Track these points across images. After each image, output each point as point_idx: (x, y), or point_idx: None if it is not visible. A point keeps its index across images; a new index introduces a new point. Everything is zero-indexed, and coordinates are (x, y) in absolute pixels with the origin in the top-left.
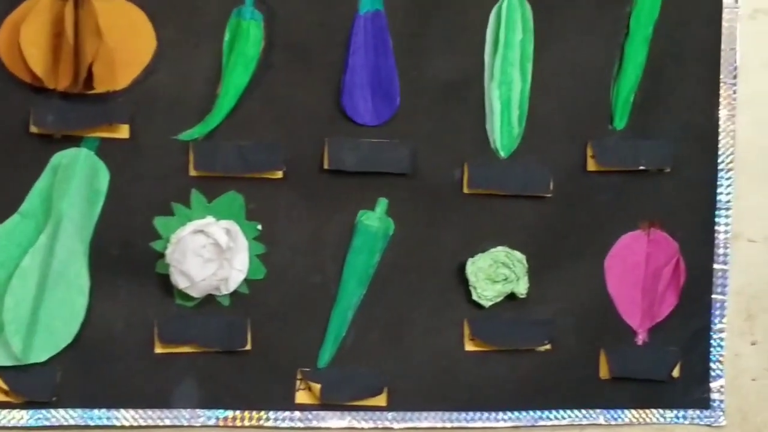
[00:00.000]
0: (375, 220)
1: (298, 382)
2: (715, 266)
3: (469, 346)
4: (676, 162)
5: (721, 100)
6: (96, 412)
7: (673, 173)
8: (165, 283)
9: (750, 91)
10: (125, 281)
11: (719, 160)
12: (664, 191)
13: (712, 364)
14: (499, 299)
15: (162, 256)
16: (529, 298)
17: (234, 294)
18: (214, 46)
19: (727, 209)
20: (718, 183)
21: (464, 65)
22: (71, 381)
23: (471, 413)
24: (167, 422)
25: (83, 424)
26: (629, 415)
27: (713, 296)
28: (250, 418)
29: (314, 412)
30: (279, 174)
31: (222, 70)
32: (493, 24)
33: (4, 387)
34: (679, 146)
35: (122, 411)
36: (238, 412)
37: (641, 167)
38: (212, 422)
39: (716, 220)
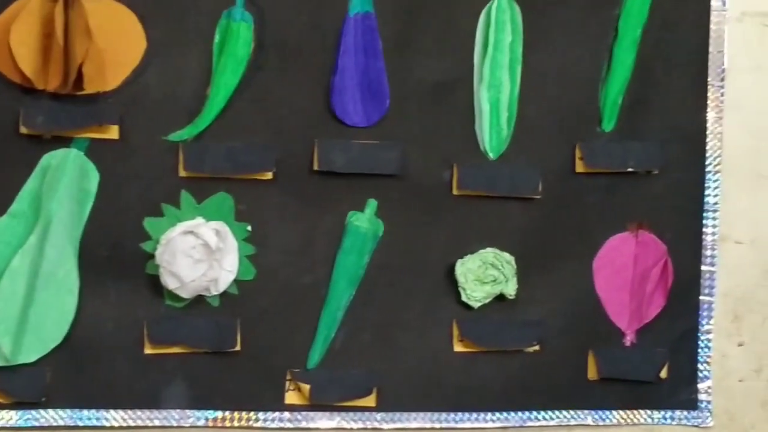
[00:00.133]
0: (365, 221)
1: (287, 383)
2: (703, 268)
3: (458, 347)
4: (664, 164)
5: (708, 102)
6: (85, 412)
7: (661, 175)
8: (154, 283)
9: (737, 94)
10: (115, 282)
11: (707, 162)
12: (652, 193)
13: (699, 365)
14: (488, 300)
15: (152, 256)
16: (518, 299)
17: (223, 295)
18: (204, 47)
19: (715, 211)
20: (706, 185)
21: (454, 67)
22: (61, 381)
23: (460, 414)
24: (157, 423)
25: (72, 424)
26: (617, 415)
27: (701, 298)
28: (240, 419)
29: (303, 413)
30: (269, 175)
31: (212, 71)
32: (483, 26)
33: None
34: (667, 148)
35: (112, 411)
36: (227, 413)
37: (629, 169)
38: (202, 423)
39: (704, 222)
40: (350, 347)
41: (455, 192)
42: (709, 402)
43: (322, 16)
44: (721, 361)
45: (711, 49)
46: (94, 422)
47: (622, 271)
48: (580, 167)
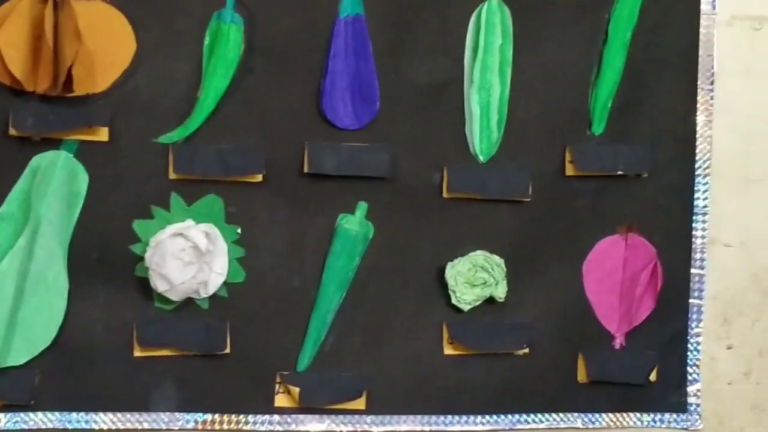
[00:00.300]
0: (355, 224)
1: (277, 386)
2: (692, 271)
3: (448, 350)
4: (653, 167)
5: (698, 105)
6: (74, 415)
7: (650, 178)
8: (144, 286)
9: (727, 97)
10: (104, 284)
11: (696, 166)
12: (642, 196)
13: (688, 368)
14: (478, 303)
15: (141, 259)
16: (508, 302)
17: (213, 297)
18: (194, 50)
19: (704, 214)
20: (695, 188)
21: (444, 70)
22: (50, 384)
23: (450, 417)
24: (146, 425)
25: (61, 427)
26: (606, 418)
27: (690, 301)
28: (229, 422)
29: (293, 416)
30: (259, 177)
31: (202, 73)
32: (473, 29)
33: None
34: (656, 151)
35: (101, 414)
36: (217, 416)
37: (619, 172)
38: (191, 425)
39: (693, 225)
40: (340, 350)
41: (445, 195)
42: (698, 405)
43: (312, 18)
44: (711, 364)
45: (701, 52)
46: (83, 425)
47: (612, 274)
48: (570, 170)
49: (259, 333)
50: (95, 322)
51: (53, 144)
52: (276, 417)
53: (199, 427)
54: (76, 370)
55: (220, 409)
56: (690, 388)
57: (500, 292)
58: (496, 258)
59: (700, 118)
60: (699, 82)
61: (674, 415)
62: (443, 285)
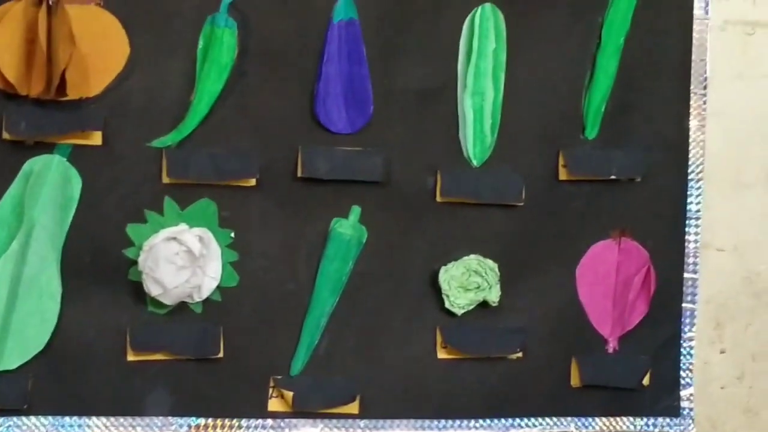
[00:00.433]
0: (348, 228)
1: (270, 390)
2: (685, 275)
3: (442, 354)
4: (646, 171)
5: (691, 110)
6: (67, 419)
7: (643, 183)
8: (137, 290)
9: (720, 102)
10: (97, 288)
11: (689, 170)
12: (635, 200)
13: (682, 373)
14: (471, 307)
15: (134, 263)
16: (502, 306)
17: (206, 301)
18: (188, 54)
19: (697, 219)
20: (688, 193)
21: (437, 74)
22: (43, 388)
23: (443, 421)
24: (139, 430)
25: (54, 431)
26: (599, 423)
27: (683, 305)
28: (223, 426)
29: (287, 420)
30: (252, 182)
31: (196, 77)
32: (467, 33)
33: None
34: (649, 156)
35: (94, 419)
36: (210, 420)
37: (612, 177)
38: (184, 430)
39: (686, 229)
40: (333, 354)
41: (439, 199)
42: (691, 409)
43: (306, 22)
44: (704, 368)
45: (694, 57)
46: (76, 429)
47: (605, 278)
48: (563, 174)
49: (253, 337)
50: (88, 326)
51: (47, 148)
52: (269, 421)
53: (193, 431)
54: (69, 374)
55: (214, 414)
56: (683, 393)
57: (494, 296)
58: (490, 262)
59: (693, 123)
60: (692, 87)
61: (667, 420)
62: (437, 289)
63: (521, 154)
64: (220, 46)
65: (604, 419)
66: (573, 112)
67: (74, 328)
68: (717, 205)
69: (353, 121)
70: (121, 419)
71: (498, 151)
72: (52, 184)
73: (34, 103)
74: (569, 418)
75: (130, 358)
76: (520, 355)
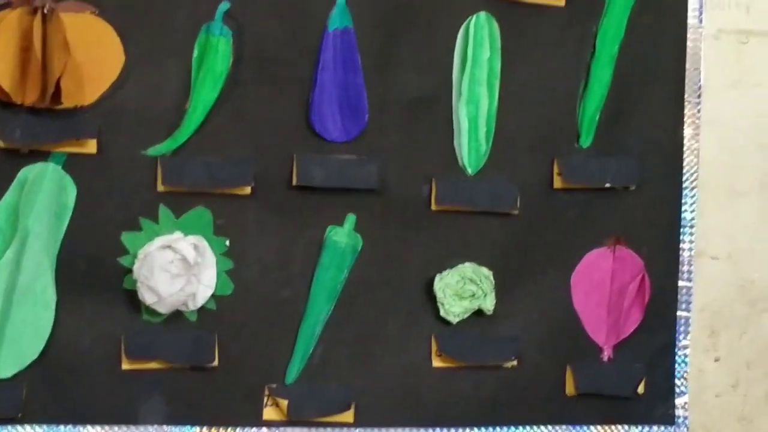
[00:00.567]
0: (343, 236)
1: (265, 398)
2: (680, 283)
3: (437, 362)
4: (641, 180)
5: (685, 119)
6: (62, 428)
7: (638, 191)
8: (132, 298)
9: (714, 111)
10: (92, 297)
11: (684, 178)
12: (630, 209)
13: (676, 381)
14: (466, 315)
15: (129, 271)
16: (496, 314)
17: (201, 310)
18: (183, 62)
19: (692, 227)
20: (683, 201)
21: (432, 82)
22: (37, 397)
23: (438, 429)
24: None
25: None
26: (594, 431)
27: (678, 313)
28: None
29: (282, 428)
30: (247, 190)
31: (191, 85)
32: (461, 42)
33: None
34: (644, 164)
35: (89, 427)
36: (205, 428)
37: (607, 185)
38: None
39: (681, 237)
40: (328, 362)
41: (434, 207)
42: (686, 417)
43: (301, 31)
44: (698, 376)
45: (688, 65)
46: None
47: (600, 286)
48: (558, 183)
49: (248, 345)
50: (83, 334)
51: (41, 156)
52: (264, 430)
53: None
54: (63, 382)
55: (209, 422)
56: (678, 401)
57: (489, 304)
58: (485, 270)
59: (688, 131)
60: (686, 96)
61: (662, 428)
62: (432, 297)
63: (516, 163)
64: (215, 55)
65: (598, 427)
66: (567, 121)
67: (69, 337)
68: (711, 213)
69: (348, 130)
70: (116, 428)
71: (493, 160)
72: (46, 193)
73: (28, 112)
74: (564, 426)
75: (125, 366)
76: (514, 363)
